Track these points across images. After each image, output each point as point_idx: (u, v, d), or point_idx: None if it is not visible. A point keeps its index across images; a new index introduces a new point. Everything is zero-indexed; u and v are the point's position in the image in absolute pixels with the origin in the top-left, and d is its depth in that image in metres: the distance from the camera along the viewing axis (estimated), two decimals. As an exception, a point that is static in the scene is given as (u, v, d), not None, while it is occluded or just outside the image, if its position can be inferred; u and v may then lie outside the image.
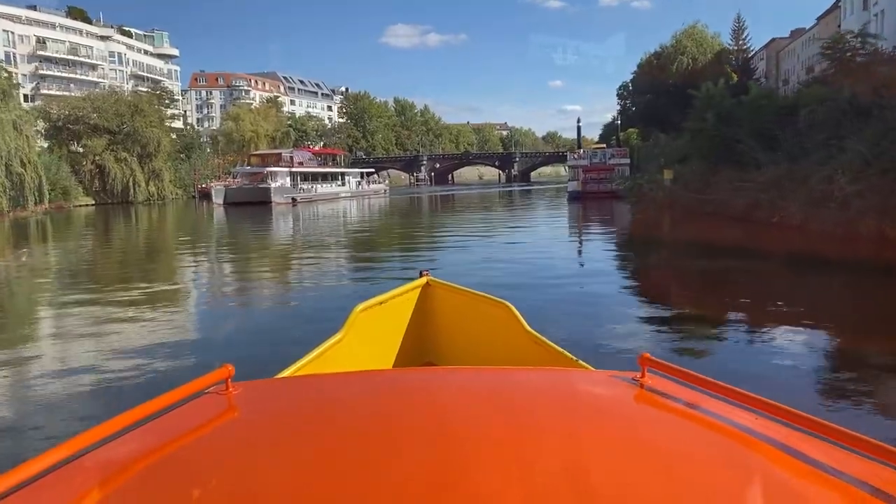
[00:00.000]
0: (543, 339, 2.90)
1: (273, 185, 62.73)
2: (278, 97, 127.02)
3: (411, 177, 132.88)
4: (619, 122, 67.51)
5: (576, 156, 57.24)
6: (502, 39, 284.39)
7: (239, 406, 1.58)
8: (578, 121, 66.45)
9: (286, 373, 2.35)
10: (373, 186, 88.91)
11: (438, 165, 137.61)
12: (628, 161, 54.35)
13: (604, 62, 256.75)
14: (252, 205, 56.43)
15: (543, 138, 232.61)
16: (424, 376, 2.08)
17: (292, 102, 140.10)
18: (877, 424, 5.79)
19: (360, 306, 3.17)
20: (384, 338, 3.42)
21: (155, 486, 1.21)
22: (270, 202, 58.76)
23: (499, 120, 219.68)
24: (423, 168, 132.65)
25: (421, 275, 3.70)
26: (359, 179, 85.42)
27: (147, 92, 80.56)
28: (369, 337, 3.21)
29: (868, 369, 7.51)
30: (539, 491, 1.09)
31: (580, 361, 2.54)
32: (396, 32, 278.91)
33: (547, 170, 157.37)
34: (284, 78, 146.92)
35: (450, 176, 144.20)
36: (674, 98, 52.88)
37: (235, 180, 65.88)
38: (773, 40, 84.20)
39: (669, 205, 30.57)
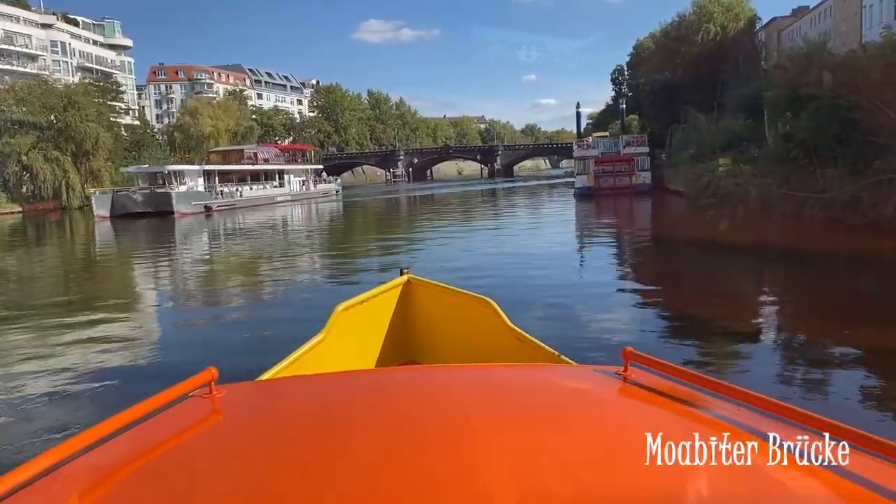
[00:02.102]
0: (526, 335, 2.85)
1: (177, 189, 48.71)
2: (244, 91, 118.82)
3: (388, 173, 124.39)
4: (623, 105, 59.45)
5: (584, 145, 49.16)
6: (475, 33, 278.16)
7: (223, 409, 1.58)
8: (578, 106, 58.45)
9: (269, 374, 2.31)
10: (321, 187, 74.68)
11: (416, 160, 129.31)
12: (647, 149, 46.42)
13: (576, 56, 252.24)
14: (151, 216, 43.47)
15: (522, 131, 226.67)
16: (408, 375, 2.07)
17: (259, 96, 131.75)
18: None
19: (342, 306, 3.11)
20: (366, 336, 3.36)
21: (142, 491, 1.22)
22: (173, 212, 45.23)
23: (475, 114, 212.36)
24: (399, 163, 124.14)
25: (402, 272, 3.61)
26: (303, 179, 71.18)
27: (87, 82, 71.52)
28: (351, 336, 3.14)
29: None
30: (528, 486, 1.11)
31: (562, 356, 2.51)
32: (370, 28, 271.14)
33: (527, 164, 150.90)
34: (250, 70, 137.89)
35: (428, 171, 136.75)
36: (702, 73, 45.23)
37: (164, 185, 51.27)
38: (773, 20, 77.57)
39: (750, 207, 22.40)
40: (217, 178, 54.91)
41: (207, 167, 56.13)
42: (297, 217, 46.45)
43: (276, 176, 65.64)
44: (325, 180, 78.68)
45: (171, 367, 8.51)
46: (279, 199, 61.68)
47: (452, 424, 1.38)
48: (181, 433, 1.45)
